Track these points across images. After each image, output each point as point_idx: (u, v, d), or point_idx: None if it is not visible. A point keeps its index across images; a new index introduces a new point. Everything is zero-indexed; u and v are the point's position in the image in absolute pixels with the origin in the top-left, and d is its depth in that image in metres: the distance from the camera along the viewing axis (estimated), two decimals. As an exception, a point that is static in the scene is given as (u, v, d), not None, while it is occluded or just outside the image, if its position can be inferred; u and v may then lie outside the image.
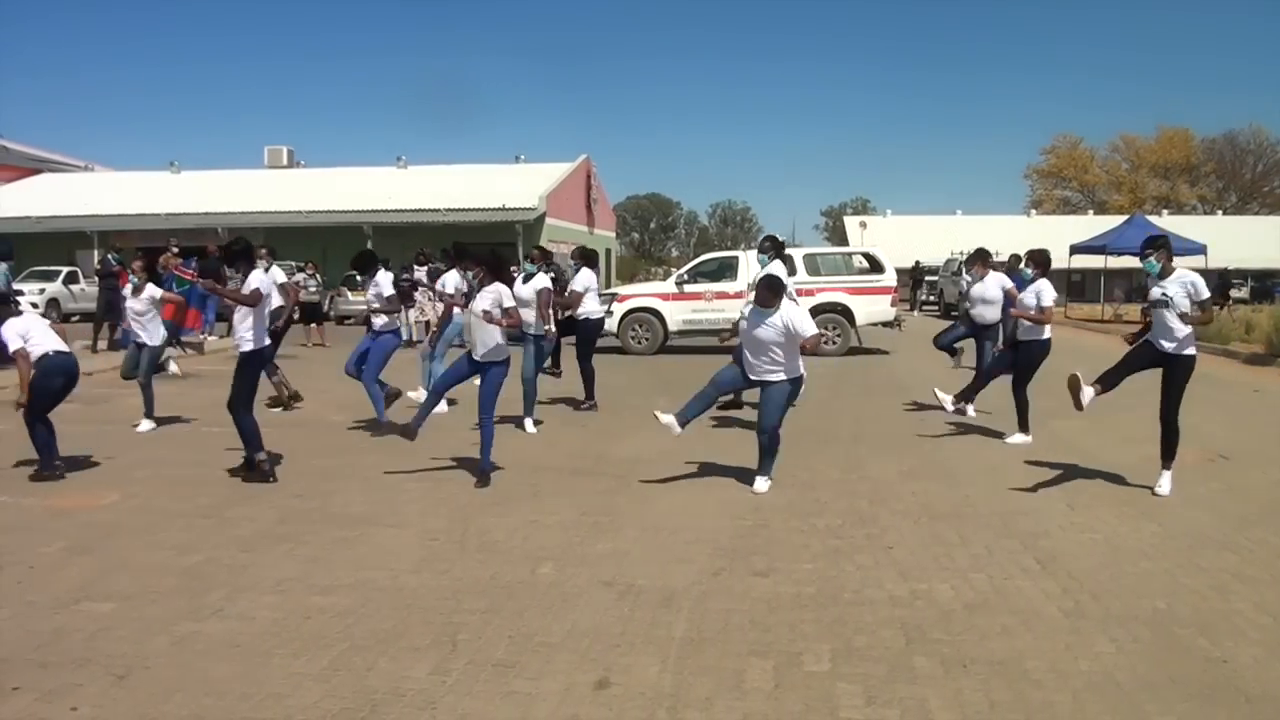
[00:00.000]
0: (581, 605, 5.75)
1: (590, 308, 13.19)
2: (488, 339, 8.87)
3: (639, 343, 20.91)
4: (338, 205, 41.26)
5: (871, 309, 20.63)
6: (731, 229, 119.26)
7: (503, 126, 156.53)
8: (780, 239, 12.85)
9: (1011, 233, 53.40)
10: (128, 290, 12.03)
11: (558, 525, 7.45)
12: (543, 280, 11.79)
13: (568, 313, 13.19)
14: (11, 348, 8.91)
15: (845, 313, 20.67)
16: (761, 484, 8.48)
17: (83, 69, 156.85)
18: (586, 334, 13.15)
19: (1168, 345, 8.22)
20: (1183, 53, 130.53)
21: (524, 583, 6.15)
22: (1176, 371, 8.31)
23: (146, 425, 11.75)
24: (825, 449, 10.27)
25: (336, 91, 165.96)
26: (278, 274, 14.54)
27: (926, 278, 45.84)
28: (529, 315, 11.24)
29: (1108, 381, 8.41)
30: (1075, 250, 35.21)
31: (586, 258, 13.48)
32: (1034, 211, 73.00)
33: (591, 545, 6.94)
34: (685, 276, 21.61)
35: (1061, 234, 44.21)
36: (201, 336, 20.51)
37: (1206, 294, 8.23)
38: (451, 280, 12.93)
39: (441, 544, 7.00)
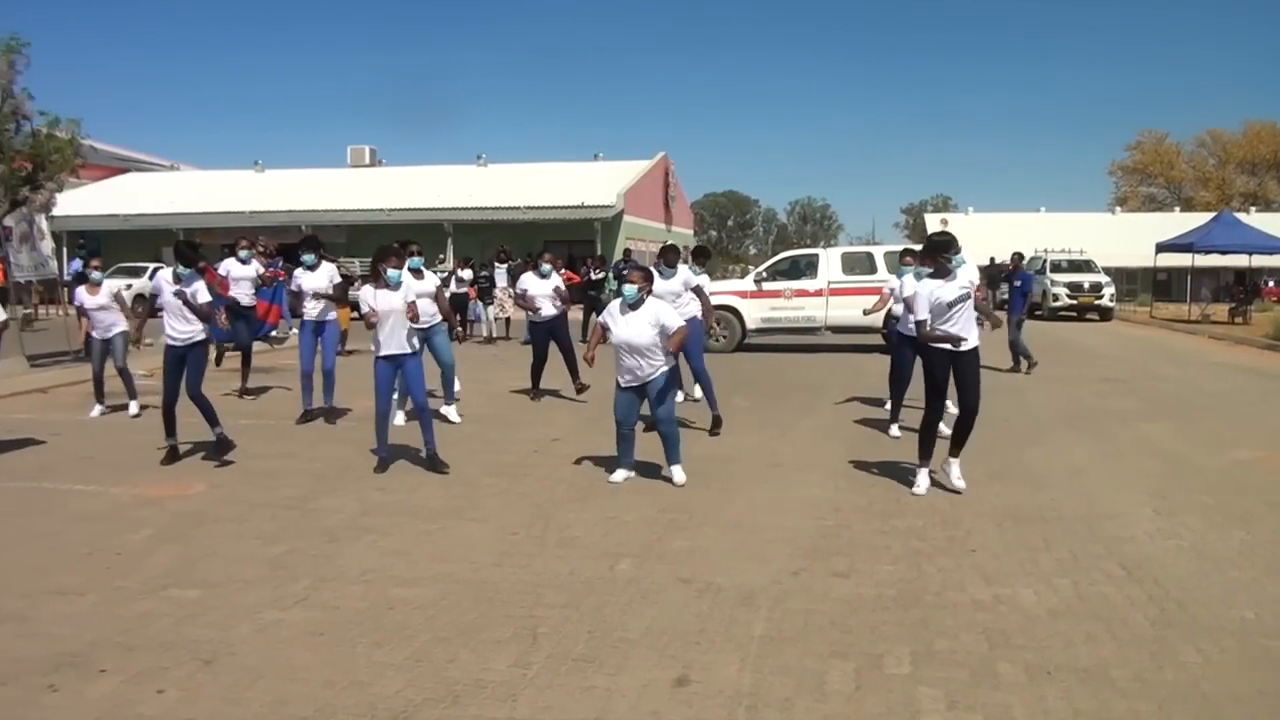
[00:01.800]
0: (660, 602, 5.75)
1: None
2: (403, 334, 9.19)
3: (717, 341, 20.78)
4: (419, 203, 41.63)
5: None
6: (811, 226, 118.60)
7: (581, 124, 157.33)
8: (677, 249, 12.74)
9: (1096, 231, 52.53)
10: (81, 290, 12.62)
11: (636, 522, 7.46)
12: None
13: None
14: None
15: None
16: (680, 474, 8.65)
17: (169, 71, 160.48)
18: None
19: (971, 342, 8.19)
20: (1269, 45, 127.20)
21: (603, 579, 6.17)
22: (975, 364, 8.29)
23: (134, 407, 12.45)
24: (906, 448, 10.14)
25: (418, 89, 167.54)
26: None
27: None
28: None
29: (936, 412, 8.43)
30: (1161, 249, 34.48)
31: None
32: (1119, 209, 71.46)
33: (670, 542, 6.94)
34: (764, 274, 21.48)
35: (1147, 232, 43.34)
36: (288, 332, 20.86)
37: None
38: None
39: (521, 539, 7.05)
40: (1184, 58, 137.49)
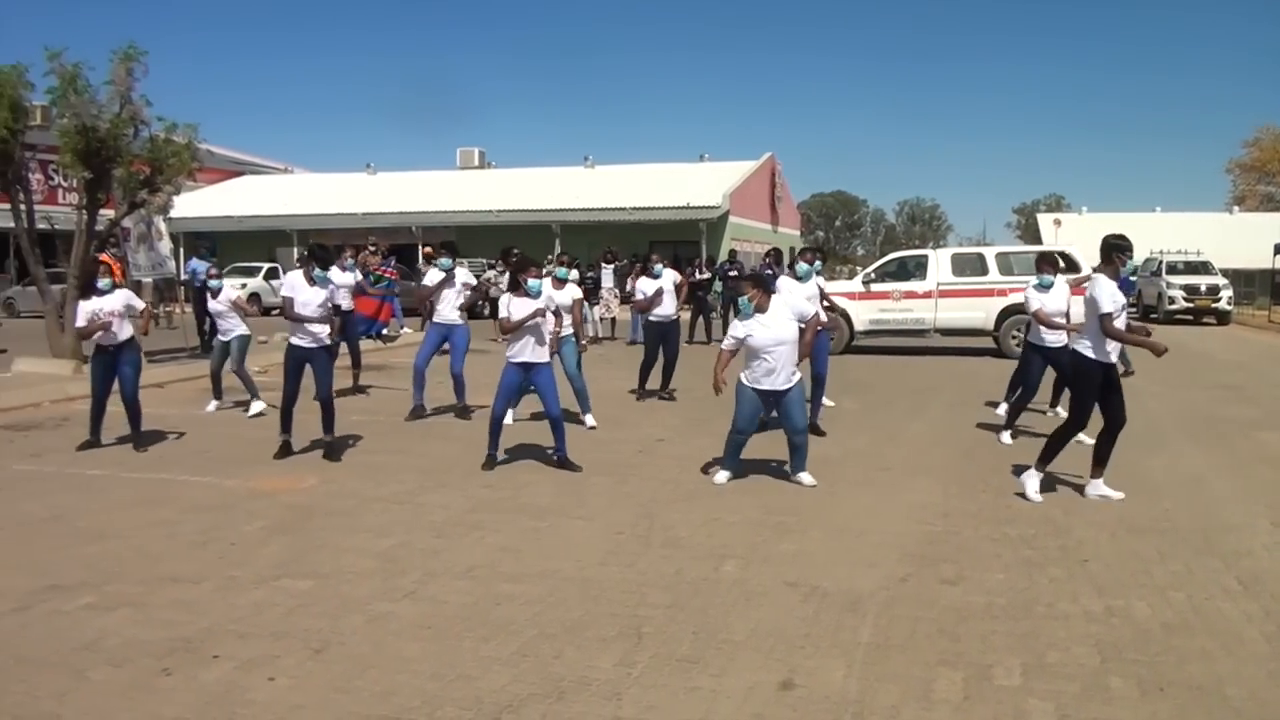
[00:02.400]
0: (765, 605, 5.72)
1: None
2: (539, 341, 9.20)
3: (825, 342, 20.62)
4: (527, 204, 42.03)
5: (1066, 310, 19.79)
6: (920, 226, 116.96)
7: (687, 125, 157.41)
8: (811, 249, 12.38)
9: (1213, 231, 50.89)
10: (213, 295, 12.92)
11: (742, 523, 7.43)
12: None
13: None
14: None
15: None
16: (809, 478, 8.58)
17: (283, 77, 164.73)
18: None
19: (1114, 356, 8.11)
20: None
21: (708, 580, 6.16)
22: (1119, 379, 8.26)
23: (257, 406, 12.60)
24: (1017, 455, 9.95)
25: (526, 93, 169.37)
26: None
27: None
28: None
29: (1079, 425, 8.24)
30: (1281, 250, 33.30)
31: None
32: (1236, 208, 68.99)
33: (776, 545, 6.90)
34: (872, 275, 21.21)
35: (1266, 232, 41.87)
36: (400, 330, 21.30)
37: None
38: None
39: (627, 538, 7.07)
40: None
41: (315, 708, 4.44)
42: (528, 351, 9.18)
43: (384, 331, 17.24)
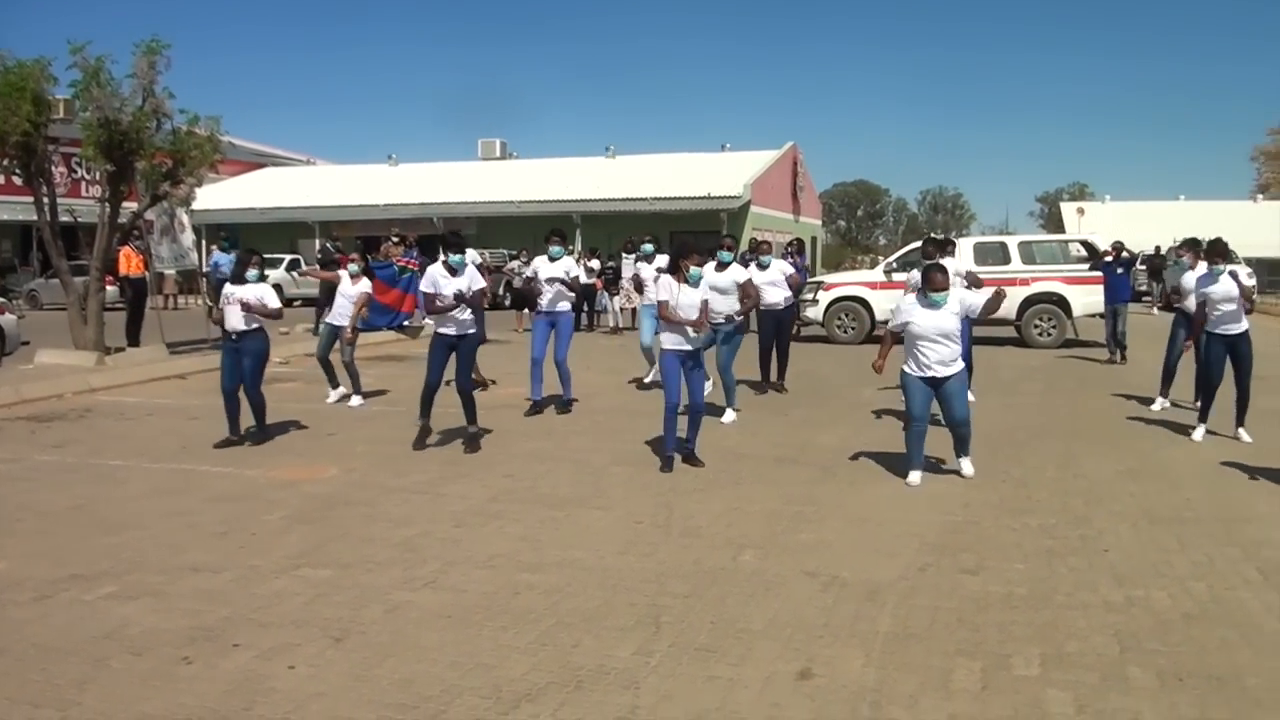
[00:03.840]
0: (784, 594, 5.72)
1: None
2: (690, 331, 9.00)
3: (845, 332, 20.61)
4: (548, 195, 42.05)
5: (1088, 299, 19.62)
6: (942, 216, 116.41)
7: (708, 115, 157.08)
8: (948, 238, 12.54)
9: (1236, 219, 50.46)
10: (345, 275, 12.66)
11: (760, 513, 7.42)
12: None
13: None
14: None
15: (1061, 303, 19.87)
16: (969, 466, 8.46)
17: (305, 69, 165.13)
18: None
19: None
20: None
21: (726, 569, 6.16)
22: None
23: (357, 400, 12.51)
24: (1039, 445, 9.93)
25: (549, 83, 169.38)
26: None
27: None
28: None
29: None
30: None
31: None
32: (1260, 196, 68.27)
33: (794, 534, 6.89)
34: (894, 265, 21.09)
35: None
36: (424, 321, 21.30)
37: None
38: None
39: (646, 527, 7.08)
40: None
41: (335, 696, 4.46)
42: (687, 340, 8.98)
43: (406, 323, 17.26)
